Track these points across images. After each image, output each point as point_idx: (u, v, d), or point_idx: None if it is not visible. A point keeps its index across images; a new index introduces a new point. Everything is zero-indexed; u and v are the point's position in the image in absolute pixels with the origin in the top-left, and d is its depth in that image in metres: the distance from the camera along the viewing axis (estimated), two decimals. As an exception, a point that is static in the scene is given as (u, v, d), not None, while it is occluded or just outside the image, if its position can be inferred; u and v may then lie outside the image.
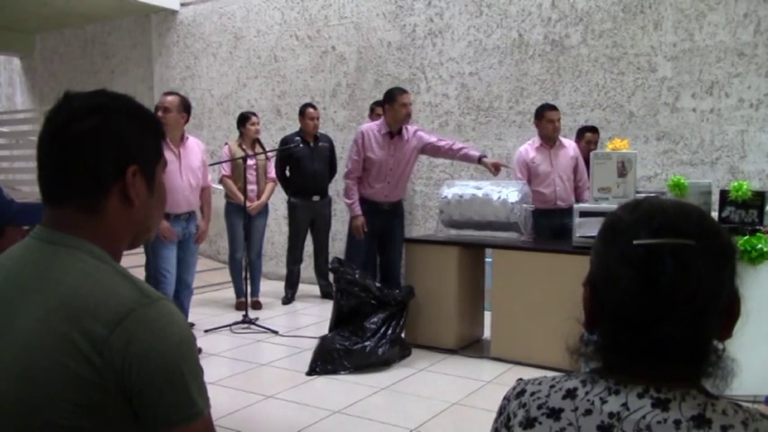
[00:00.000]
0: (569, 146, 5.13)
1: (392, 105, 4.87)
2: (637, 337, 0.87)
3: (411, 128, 5.09)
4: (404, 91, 4.98)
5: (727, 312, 0.88)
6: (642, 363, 0.88)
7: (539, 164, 5.06)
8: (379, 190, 5.00)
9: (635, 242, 0.87)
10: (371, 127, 5.00)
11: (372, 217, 5.01)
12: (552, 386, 0.94)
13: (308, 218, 6.23)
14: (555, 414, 0.90)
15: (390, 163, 4.94)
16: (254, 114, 6.03)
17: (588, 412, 0.87)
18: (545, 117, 5.01)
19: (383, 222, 5.08)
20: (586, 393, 0.89)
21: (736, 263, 0.90)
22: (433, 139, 5.06)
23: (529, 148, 5.14)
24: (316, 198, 6.15)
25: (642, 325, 0.86)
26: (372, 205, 5.02)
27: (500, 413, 0.99)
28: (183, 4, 8.15)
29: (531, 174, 5.07)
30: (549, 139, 5.06)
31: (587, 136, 5.46)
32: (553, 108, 5.06)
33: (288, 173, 6.21)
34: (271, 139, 7.13)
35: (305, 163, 6.06)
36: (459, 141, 6.35)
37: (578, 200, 5.01)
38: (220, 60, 7.89)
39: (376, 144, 4.92)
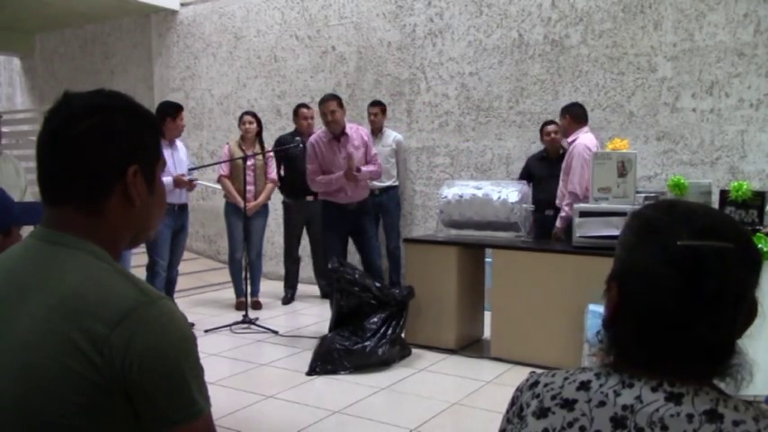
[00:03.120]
0: (585, 140, 4.96)
1: (320, 114, 5.15)
2: (669, 335, 0.87)
3: (360, 129, 5.24)
4: (324, 99, 5.08)
5: (748, 314, 0.90)
6: (664, 359, 0.88)
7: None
8: (342, 192, 5.08)
9: (679, 243, 0.86)
10: (319, 135, 5.14)
11: (340, 219, 5.11)
12: (566, 378, 0.94)
13: (303, 218, 6.21)
14: (568, 405, 0.90)
15: (343, 164, 5.02)
16: (248, 114, 6.01)
17: (602, 404, 0.88)
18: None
19: (352, 223, 5.14)
20: (600, 386, 0.90)
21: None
22: (372, 152, 5.20)
23: None
24: (309, 198, 6.10)
25: (677, 324, 0.87)
26: (339, 208, 5.11)
27: (512, 404, 1.00)
28: (182, 4, 8.15)
29: None
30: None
31: (546, 128, 5.56)
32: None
33: (282, 173, 6.19)
34: (271, 139, 7.13)
35: (299, 163, 6.03)
36: (460, 141, 6.39)
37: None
38: (220, 60, 7.89)
39: (325, 150, 5.06)
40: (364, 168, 5.05)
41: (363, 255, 5.19)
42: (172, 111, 5.20)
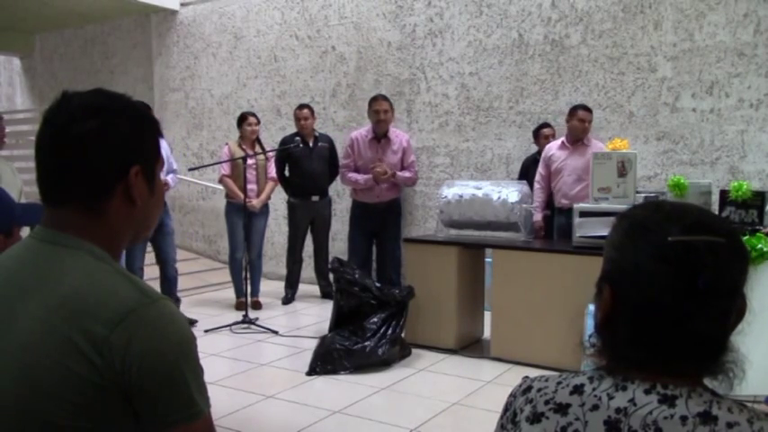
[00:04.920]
0: (594, 148, 4.98)
1: (369, 112, 5.33)
2: (665, 332, 0.87)
3: (402, 134, 5.43)
4: (377, 98, 5.30)
5: (738, 310, 0.90)
6: (659, 358, 0.88)
7: (554, 161, 5.18)
8: (371, 191, 5.27)
9: (671, 238, 0.86)
10: (361, 133, 5.34)
11: (367, 218, 5.33)
12: (559, 382, 0.94)
13: (308, 218, 6.24)
14: (562, 409, 0.90)
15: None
16: (252, 115, 6.02)
17: (595, 408, 0.88)
18: (577, 115, 5.07)
19: (379, 222, 5.35)
20: (593, 389, 0.90)
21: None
22: (409, 159, 5.36)
23: (554, 144, 5.28)
24: (315, 198, 6.16)
25: (673, 321, 0.87)
26: (366, 208, 5.33)
27: (506, 409, 0.99)
28: (182, 4, 8.15)
29: (549, 170, 5.23)
30: (575, 138, 5.11)
31: (547, 131, 5.60)
32: (587, 109, 5.13)
33: (287, 173, 6.22)
34: (271, 139, 7.13)
35: (303, 163, 6.07)
36: (460, 141, 6.39)
37: None
38: (220, 60, 7.89)
39: (364, 148, 5.25)
40: (399, 174, 5.25)
41: (380, 252, 5.39)
42: None
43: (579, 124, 5.04)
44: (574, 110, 5.14)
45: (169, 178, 5.35)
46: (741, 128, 5.17)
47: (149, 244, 5.41)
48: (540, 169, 5.27)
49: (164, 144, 5.48)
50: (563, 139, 5.20)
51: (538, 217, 5.26)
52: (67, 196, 1.01)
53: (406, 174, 5.31)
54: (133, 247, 4.94)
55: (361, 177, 5.20)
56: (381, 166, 5.12)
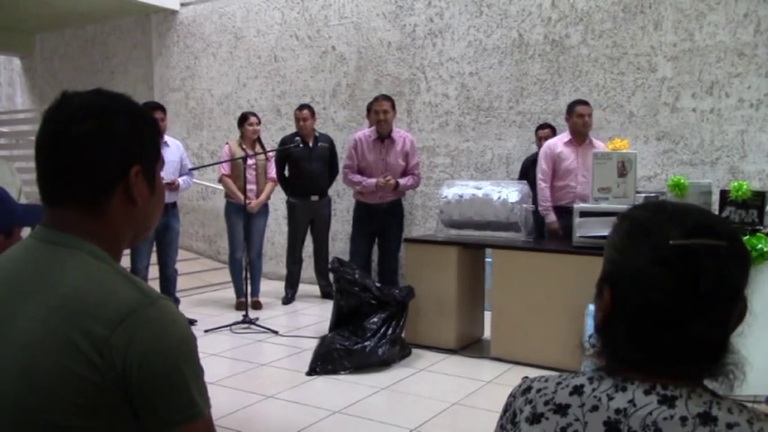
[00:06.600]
0: (599, 146, 4.95)
1: (369, 114, 5.38)
2: (665, 335, 0.87)
3: (405, 134, 5.43)
4: (377, 98, 5.33)
5: (739, 312, 0.90)
6: (659, 360, 0.88)
7: (564, 159, 5.03)
8: (373, 193, 5.29)
9: (672, 242, 0.86)
10: (364, 133, 5.34)
11: (369, 219, 5.35)
12: (559, 383, 0.94)
13: (307, 218, 6.24)
14: (562, 410, 0.90)
15: (382, 166, 5.27)
16: (254, 115, 6.02)
17: (595, 408, 0.88)
18: (575, 112, 4.97)
19: (381, 223, 5.37)
20: (593, 390, 0.90)
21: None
22: (413, 161, 5.39)
23: (558, 141, 5.13)
24: (314, 198, 6.16)
25: (673, 324, 0.86)
26: (369, 208, 5.35)
27: (506, 410, 0.99)
28: (182, 4, 8.15)
29: (555, 168, 5.07)
30: (579, 135, 5.00)
31: (541, 133, 5.60)
32: (584, 103, 5.04)
33: (287, 173, 6.22)
34: (271, 139, 7.13)
35: (303, 163, 6.07)
36: (460, 141, 6.39)
37: None
38: (220, 60, 7.89)
39: (368, 149, 5.25)
40: (402, 181, 5.27)
41: (381, 252, 5.41)
42: None
43: (579, 120, 4.94)
44: (571, 107, 5.04)
45: (181, 180, 5.35)
46: (741, 128, 5.17)
47: (155, 244, 5.41)
48: (544, 166, 5.05)
49: (178, 145, 5.51)
50: (569, 137, 5.04)
51: (553, 218, 5.01)
52: (68, 196, 1.01)
53: (409, 181, 5.35)
54: (138, 246, 4.98)
55: (364, 181, 5.21)
56: (389, 181, 5.16)
